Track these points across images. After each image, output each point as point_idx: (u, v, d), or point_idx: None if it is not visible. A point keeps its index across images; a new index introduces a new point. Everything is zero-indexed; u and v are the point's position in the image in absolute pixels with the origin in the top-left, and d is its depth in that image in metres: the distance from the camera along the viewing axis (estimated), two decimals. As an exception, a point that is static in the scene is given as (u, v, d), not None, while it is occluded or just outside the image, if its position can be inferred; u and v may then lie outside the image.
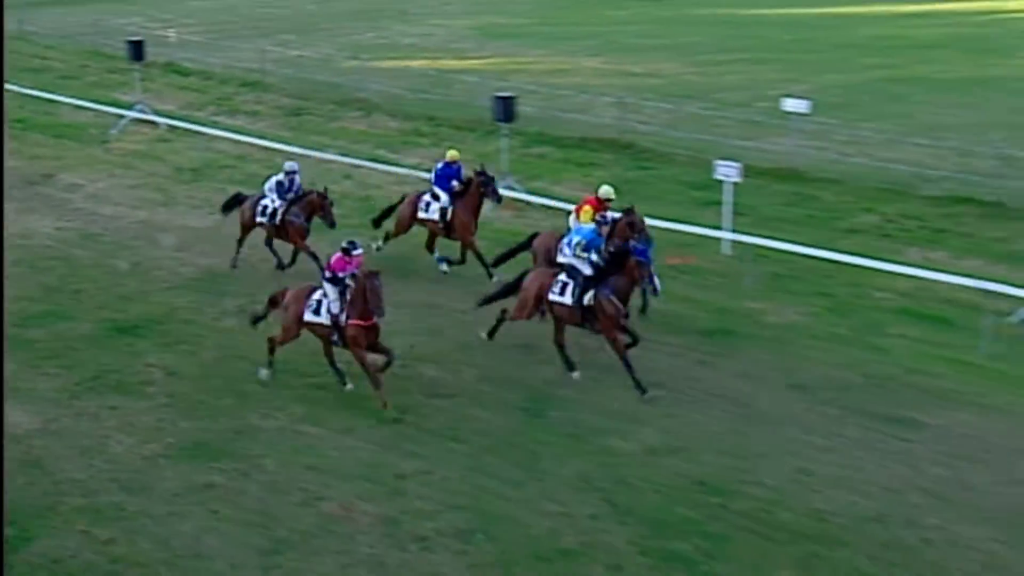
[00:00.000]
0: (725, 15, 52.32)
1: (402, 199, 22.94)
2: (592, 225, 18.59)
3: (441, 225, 22.16)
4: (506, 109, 26.31)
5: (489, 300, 19.15)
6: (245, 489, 15.09)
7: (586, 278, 17.76)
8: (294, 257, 22.51)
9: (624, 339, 17.58)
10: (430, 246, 22.62)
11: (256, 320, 18.60)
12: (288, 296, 17.92)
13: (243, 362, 18.54)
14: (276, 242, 22.71)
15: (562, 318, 18.06)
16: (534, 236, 20.56)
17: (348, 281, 17.25)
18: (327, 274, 17.45)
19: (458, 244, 22.29)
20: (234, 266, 22.74)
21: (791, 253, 21.86)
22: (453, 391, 17.72)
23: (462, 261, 22.28)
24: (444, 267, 22.41)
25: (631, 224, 19.24)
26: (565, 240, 18.62)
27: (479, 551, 13.87)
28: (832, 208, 25.79)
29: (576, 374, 17.95)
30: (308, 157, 29.57)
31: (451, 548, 13.92)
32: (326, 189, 22.05)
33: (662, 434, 16.40)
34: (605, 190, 20.04)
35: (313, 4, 58.45)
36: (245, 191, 23.68)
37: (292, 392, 17.63)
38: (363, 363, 17.25)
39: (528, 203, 25.90)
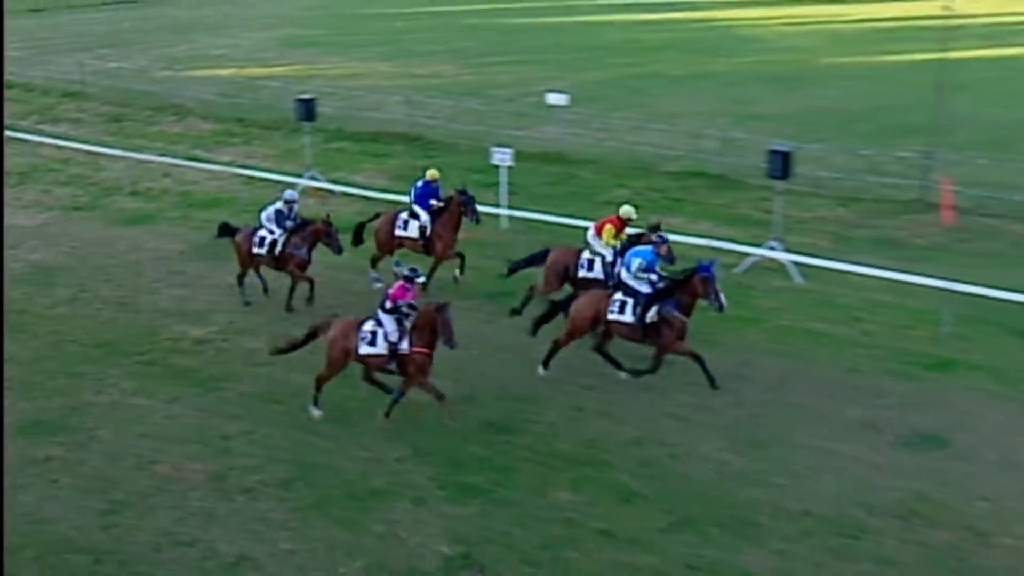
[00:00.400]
0: (495, 24, 52.53)
1: (375, 216, 20.51)
2: (650, 247, 16.49)
3: (421, 243, 19.97)
4: (308, 110, 25.85)
5: (539, 324, 17.04)
6: (83, 459, 14.54)
7: (648, 296, 15.97)
8: (293, 288, 19.31)
9: (688, 345, 16.03)
10: (374, 262, 20.25)
11: (291, 349, 16.03)
12: (335, 330, 15.50)
13: (75, 345, 17.83)
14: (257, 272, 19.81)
15: (622, 336, 16.25)
16: (546, 252, 18.55)
17: (405, 309, 15.21)
18: (387, 304, 15.17)
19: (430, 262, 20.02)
20: (247, 303, 19.51)
21: (558, 224, 22.06)
22: (271, 359, 17.37)
23: (462, 272, 20.11)
24: (378, 285, 19.52)
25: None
26: (624, 265, 16.46)
27: (300, 496, 13.71)
28: (591, 185, 26.20)
29: (543, 371, 16.56)
30: (128, 158, 28.64)
31: (275, 496, 13.72)
32: (329, 216, 19.34)
33: (455, 384, 16.35)
34: (626, 210, 18.12)
35: (128, 21, 56.30)
36: (233, 223, 20.31)
37: (122, 369, 17.03)
38: (425, 388, 15.14)
39: (331, 191, 25.57)
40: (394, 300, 15.18)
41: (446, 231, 19.83)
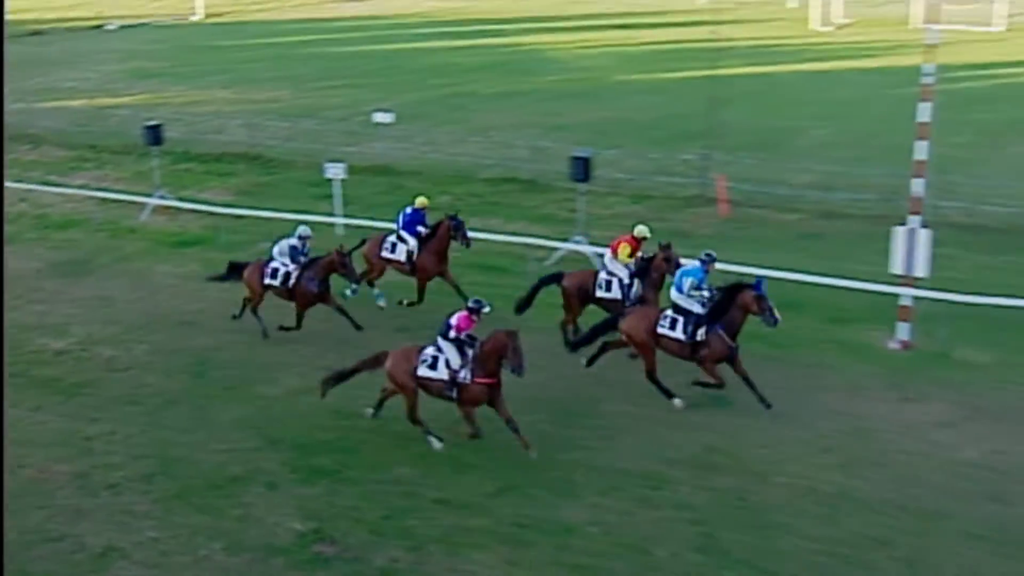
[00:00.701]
0: (326, 52, 51.66)
1: (362, 242, 18.68)
2: (698, 264, 15.48)
3: (408, 267, 18.59)
4: (155, 135, 24.97)
5: (581, 343, 16.06)
6: (-49, 467, 13.74)
7: (699, 316, 15.05)
8: (299, 318, 17.57)
9: (718, 373, 15.10)
10: (371, 282, 19.01)
11: (340, 379, 14.64)
12: (393, 359, 14.11)
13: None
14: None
15: (670, 351, 15.24)
16: (559, 275, 17.31)
17: (465, 339, 13.88)
18: (451, 334, 13.84)
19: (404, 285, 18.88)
20: (265, 335, 17.62)
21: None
22: (128, 365, 16.80)
23: (419, 300, 18.69)
24: (381, 302, 18.77)
25: (667, 259, 16.42)
26: (675, 286, 15.42)
27: (162, 488, 13.30)
28: (417, 192, 25.73)
29: (678, 401, 15.18)
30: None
31: (138, 490, 13.27)
32: (342, 246, 17.85)
33: (301, 379, 16.13)
34: (640, 230, 16.99)
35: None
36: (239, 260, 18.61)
37: (-15, 381, 16.16)
38: (470, 418, 13.97)
39: (179, 209, 24.80)
40: (459, 331, 13.85)
41: (432, 255, 18.44)
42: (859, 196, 23.97)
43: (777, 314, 14.80)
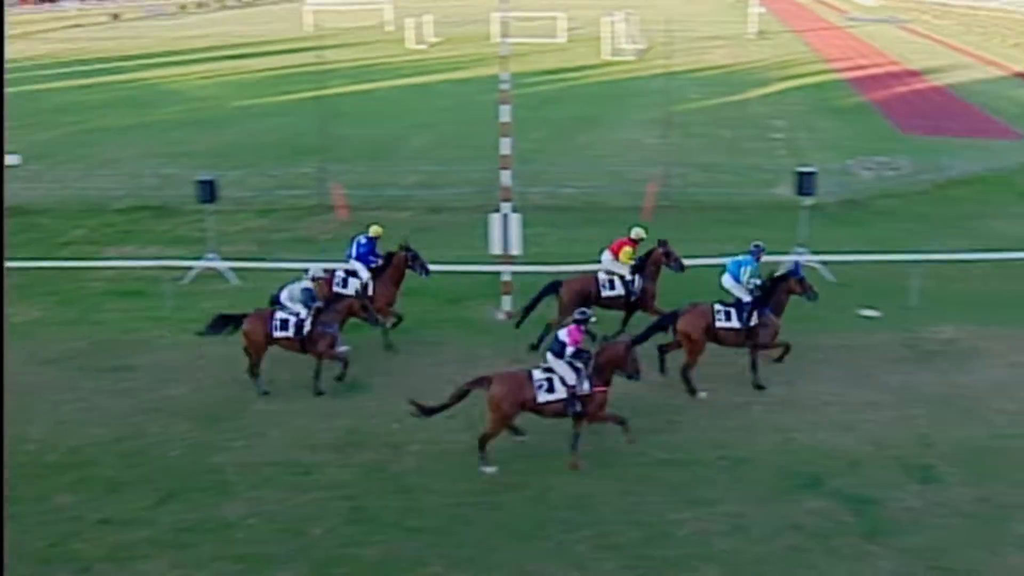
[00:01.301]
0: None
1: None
2: (750, 256, 15.12)
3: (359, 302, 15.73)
4: None
5: (641, 340, 14.45)
6: None
7: (752, 303, 14.63)
8: (319, 369, 14.92)
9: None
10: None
11: (440, 409, 12.85)
12: (500, 386, 12.53)
13: None
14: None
15: (727, 342, 14.68)
16: (557, 283, 16.18)
17: (577, 352, 12.61)
18: (569, 350, 12.52)
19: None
20: (266, 392, 14.84)
21: (22, 268, 19.92)
22: None
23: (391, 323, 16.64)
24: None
25: (667, 254, 16.12)
26: (729, 273, 15.03)
27: None
28: (50, 229, 23.87)
29: (703, 394, 14.54)
30: None
31: None
32: (361, 291, 15.82)
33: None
34: (637, 231, 16.44)
35: None
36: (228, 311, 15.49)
37: None
38: (609, 418, 12.86)
39: None
40: (575, 344, 12.60)
41: (387, 287, 16.44)
42: (459, 190, 24.92)
43: (816, 289, 15.10)
